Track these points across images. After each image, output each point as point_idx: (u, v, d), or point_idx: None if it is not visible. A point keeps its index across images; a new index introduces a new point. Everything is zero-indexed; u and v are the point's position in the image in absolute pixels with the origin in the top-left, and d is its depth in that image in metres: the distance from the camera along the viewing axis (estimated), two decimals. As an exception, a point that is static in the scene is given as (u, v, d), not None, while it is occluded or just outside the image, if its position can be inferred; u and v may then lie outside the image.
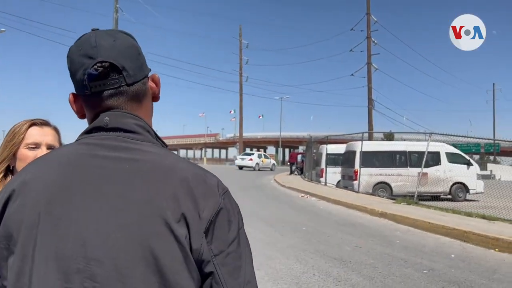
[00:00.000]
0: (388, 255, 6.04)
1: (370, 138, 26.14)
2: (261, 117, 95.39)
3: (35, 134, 1.50)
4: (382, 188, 14.61)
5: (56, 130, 1.59)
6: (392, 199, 12.70)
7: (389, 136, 37.12)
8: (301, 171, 25.91)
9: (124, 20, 39.26)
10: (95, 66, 0.78)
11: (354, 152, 15.07)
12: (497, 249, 6.40)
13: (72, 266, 0.70)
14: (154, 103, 0.94)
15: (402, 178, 14.17)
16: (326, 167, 17.90)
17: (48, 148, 1.49)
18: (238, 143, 53.19)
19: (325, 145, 18.59)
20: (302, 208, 11.08)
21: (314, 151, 20.79)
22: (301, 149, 36.99)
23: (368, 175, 14.50)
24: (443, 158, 14.49)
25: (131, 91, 0.83)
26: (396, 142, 17.91)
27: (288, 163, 29.69)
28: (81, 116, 0.88)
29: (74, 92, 0.86)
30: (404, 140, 18.74)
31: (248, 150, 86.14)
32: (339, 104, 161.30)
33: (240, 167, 32.60)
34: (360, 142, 14.99)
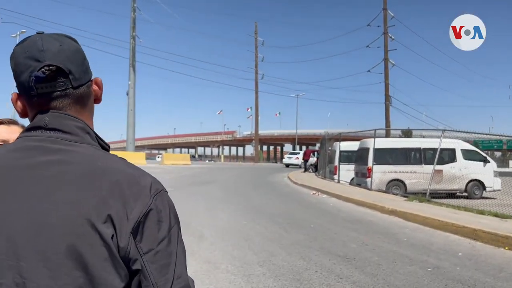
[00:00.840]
0: (394, 253, 5.96)
1: (388, 135, 25.83)
2: (278, 115, 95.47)
3: (2, 132, 1.53)
4: (396, 186, 14.42)
5: (23, 128, 1.62)
6: (405, 196, 12.53)
7: (407, 133, 36.65)
8: (315, 169, 25.78)
9: (141, 20, 39.61)
10: (43, 69, 0.81)
11: (367, 149, 14.93)
12: (507, 248, 6.24)
13: (4, 263, 0.73)
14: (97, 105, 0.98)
15: (417, 176, 13.95)
16: (339, 164, 17.77)
17: None
18: (254, 140, 53.18)
19: (339, 142, 18.45)
20: (312, 205, 11.02)
21: (329, 148, 20.66)
22: (317, 146, 36.75)
23: (381, 173, 14.35)
24: (459, 155, 14.21)
25: (76, 94, 0.87)
26: (410, 139, 17.68)
27: (303, 161, 29.53)
28: (23, 115, 0.91)
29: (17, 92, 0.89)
30: (424, 137, 18.43)
31: (264, 147, 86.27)
32: (356, 100, 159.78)
33: (287, 165, 33.80)
34: (373, 139, 14.82)
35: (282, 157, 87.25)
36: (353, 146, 17.51)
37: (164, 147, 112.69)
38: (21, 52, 0.85)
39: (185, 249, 0.85)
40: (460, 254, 5.98)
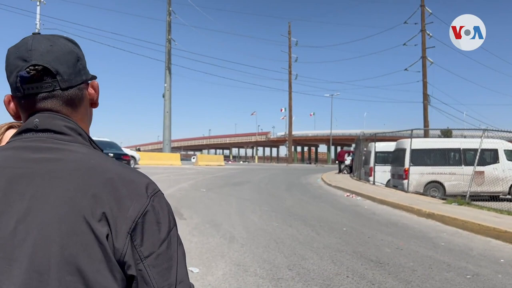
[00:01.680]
0: (430, 258, 5.73)
1: (426, 135, 25.06)
2: (312, 115, 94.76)
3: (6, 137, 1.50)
4: (434, 188, 13.95)
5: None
6: (443, 199, 12.08)
7: (446, 133, 35.47)
8: (350, 170, 25.36)
9: (176, 23, 40.36)
10: (28, 69, 0.80)
11: (404, 150, 14.52)
12: (554, 255, 5.87)
13: None
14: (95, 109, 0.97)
15: (456, 177, 13.45)
16: (375, 165, 17.39)
17: None
18: (288, 141, 52.98)
19: (374, 142, 18.05)
20: (345, 208, 10.81)
21: (364, 149, 20.26)
22: (352, 147, 36.19)
23: (419, 174, 13.92)
24: (502, 155, 13.58)
25: (65, 96, 0.85)
26: (450, 139, 17.03)
27: (337, 162, 29.11)
28: (16, 117, 0.90)
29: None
30: (465, 137, 17.75)
31: (298, 148, 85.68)
32: (393, 100, 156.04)
33: None
34: (410, 139, 14.38)
35: (316, 158, 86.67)
36: (389, 146, 17.09)
37: (199, 148, 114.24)
38: (13, 52, 0.84)
39: (185, 252, 0.83)
40: (502, 260, 5.68)
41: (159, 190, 0.82)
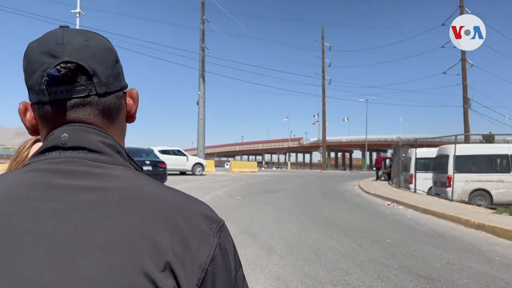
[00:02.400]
0: (485, 274, 5.29)
1: (467, 140, 24.04)
2: (345, 120, 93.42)
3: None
4: (480, 196, 13.26)
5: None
6: (491, 208, 11.40)
7: (488, 138, 34.04)
8: (388, 177, 24.61)
9: (209, 31, 40.82)
10: (58, 67, 0.61)
11: (447, 156, 13.88)
12: None
13: None
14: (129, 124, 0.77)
15: (504, 185, 12.70)
16: (415, 172, 16.73)
17: None
18: (321, 147, 52.30)
19: (414, 148, 17.39)
20: (387, 217, 10.35)
21: (403, 155, 19.58)
22: (389, 153, 35.24)
23: (463, 182, 13.25)
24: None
25: (102, 104, 0.66)
26: (497, 144, 16.13)
27: (374, 168, 28.34)
28: (33, 132, 0.70)
29: (28, 101, 0.68)
30: (507, 142, 16.84)
31: (332, 154, 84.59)
32: (430, 104, 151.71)
33: None
34: (453, 145, 13.72)
35: (351, 164, 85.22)
36: (430, 152, 16.43)
37: (232, 154, 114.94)
38: (36, 47, 0.64)
39: None
40: None
41: (222, 221, 0.65)
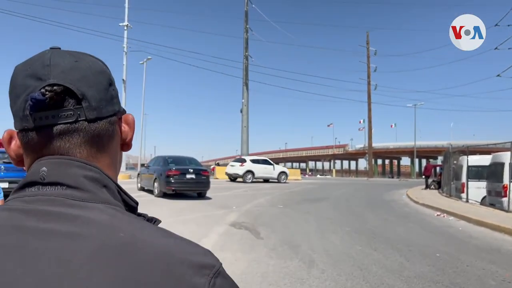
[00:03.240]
0: (548, 296, 4.85)
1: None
2: (393, 126, 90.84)
3: None
4: (540, 207, 12.31)
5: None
6: (554, 220, 10.55)
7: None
8: (438, 185, 23.56)
9: (253, 40, 41.11)
10: (43, 90, 0.56)
11: (502, 164, 13.07)
12: None
13: None
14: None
15: None
16: (467, 181, 15.88)
17: None
18: (367, 154, 51.10)
19: (466, 155, 16.52)
20: (436, 229, 9.83)
21: (455, 162, 18.66)
22: (439, 160, 33.75)
23: (521, 191, 12.37)
24: None
25: (92, 130, 0.60)
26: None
27: (423, 176, 27.23)
28: (18, 162, 0.64)
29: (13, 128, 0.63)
30: None
31: (379, 161, 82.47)
32: (483, 108, 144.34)
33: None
34: (510, 152, 12.88)
35: (399, 172, 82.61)
36: (483, 160, 15.54)
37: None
38: (22, 70, 0.60)
39: None
40: None
41: (218, 264, 0.54)
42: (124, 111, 0.68)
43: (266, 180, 26.44)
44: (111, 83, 0.65)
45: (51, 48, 0.63)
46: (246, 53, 38.31)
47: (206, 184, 14.78)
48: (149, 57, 38.24)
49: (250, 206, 12.75)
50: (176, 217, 10.13)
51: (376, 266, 6.04)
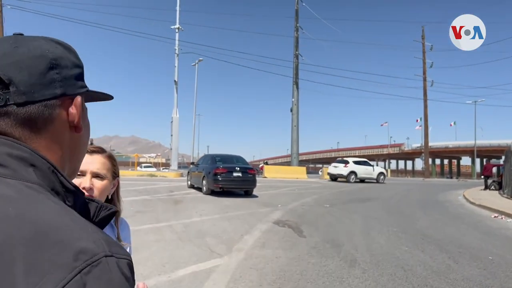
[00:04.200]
0: None
1: None
2: (452, 125, 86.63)
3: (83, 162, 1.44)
4: None
5: (109, 157, 1.53)
6: None
7: None
8: (499, 186, 22.17)
9: (303, 38, 40.77)
10: None
11: None
12: None
13: None
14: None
15: None
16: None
17: (93, 176, 1.44)
18: (423, 153, 49.03)
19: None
20: (492, 232, 9.25)
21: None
22: (502, 159, 31.74)
23: None
24: None
25: (22, 114, 0.62)
26: None
27: (482, 177, 25.72)
28: None
29: None
30: None
31: (437, 161, 79.01)
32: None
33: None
34: None
35: (458, 172, 78.60)
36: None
37: (327, 161, 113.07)
38: None
39: None
40: None
41: (105, 258, 0.51)
42: (76, 94, 0.69)
43: (362, 180, 27.57)
44: (52, 66, 0.66)
45: (13, 34, 0.67)
46: (297, 52, 38.11)
47: (252, 182, 14.90)
48: (200, 58, 39.15)
49: (295, 205, 12.69)
50: (222, 213, 10.31)
51: (421, 268, 5.80)
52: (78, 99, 0.69)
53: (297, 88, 36.96)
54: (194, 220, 9.37)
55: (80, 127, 0.70)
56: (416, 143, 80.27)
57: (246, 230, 8.25)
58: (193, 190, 16.45)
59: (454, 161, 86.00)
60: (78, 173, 1.39)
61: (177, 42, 31.68)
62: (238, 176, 14.53)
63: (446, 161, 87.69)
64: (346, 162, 28.02)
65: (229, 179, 14.46)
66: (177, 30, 31.64)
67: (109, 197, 1.54)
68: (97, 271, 0.49)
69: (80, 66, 0.72)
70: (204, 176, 15.20)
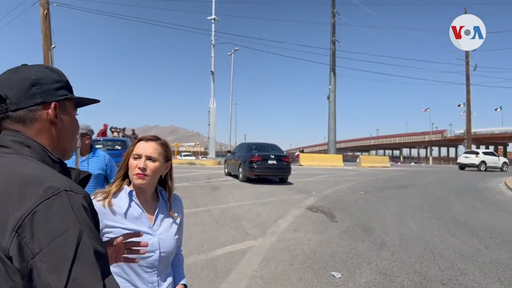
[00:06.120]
0: None
1: None
2: (498, 110, 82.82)
3: (139, 147, 1.75)
4: None
5: (162, 144, 1.79)
6: None
7: None
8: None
9: (339, 24, 40.17)
10: None
11: None
12: None
13: None
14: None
15: None
16: None
17: (147, 159, 1.72)
18: (466, 140, 47.35)
19: None
20: (530, 218, 9.12)
21: None
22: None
23: None
24: None
25: (15, 116, 0.98)
26: None
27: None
28: None
29: None
30: None
31: (482, 147, 76.05)
32: None
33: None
34: None
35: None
36: None
37: (366, 149, 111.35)
38: None
39: (102, 256, 0.84)
40: None
41: (65, 190, 0.85)
42: (46, 102, 1.01)
43: (487, 169, 29.62)
44: (33, 84, 0.99)
45: (21, 65, 1.05)
46: (334, 38, 37.58)
47: (287, 170, 15.16)
48: (236, 48, 39.44)
49: (330, 192, 12.87)
50: (257, 199, 10.68)
51: (449, 251, 5.94)
52: (53, 104, 1.03)
53: (334, 75, 36.56)
54: (231, 205, 9.79)
55: (56, 123, 1.04)
56: (460, 130, 77.42)
57: (280, 215, 8.58)
58: (230, 178, 16.94)
59: (501, 148, 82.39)
60: (136, 156, 1.73)
61: (213, 32, 32.15)
62: (273, 164, 14.84)
63: (491, 148, 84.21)
64: (477, 153, 31.31)
65: (264, 166, 14.81)
66: (213, 21, 32.08)
67: (163, 177, 1.80)
68: (59, 198, 0.84)
69: (60, 81, 1.05)
70: (240, 164, 15.61)
